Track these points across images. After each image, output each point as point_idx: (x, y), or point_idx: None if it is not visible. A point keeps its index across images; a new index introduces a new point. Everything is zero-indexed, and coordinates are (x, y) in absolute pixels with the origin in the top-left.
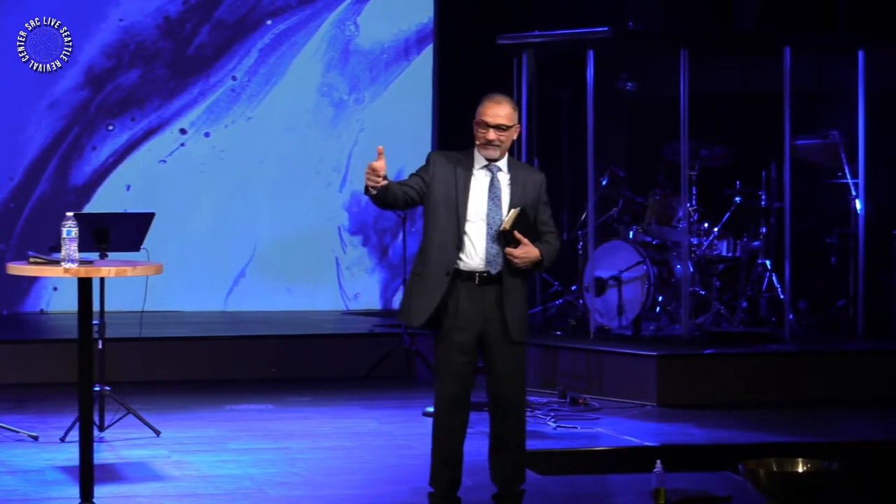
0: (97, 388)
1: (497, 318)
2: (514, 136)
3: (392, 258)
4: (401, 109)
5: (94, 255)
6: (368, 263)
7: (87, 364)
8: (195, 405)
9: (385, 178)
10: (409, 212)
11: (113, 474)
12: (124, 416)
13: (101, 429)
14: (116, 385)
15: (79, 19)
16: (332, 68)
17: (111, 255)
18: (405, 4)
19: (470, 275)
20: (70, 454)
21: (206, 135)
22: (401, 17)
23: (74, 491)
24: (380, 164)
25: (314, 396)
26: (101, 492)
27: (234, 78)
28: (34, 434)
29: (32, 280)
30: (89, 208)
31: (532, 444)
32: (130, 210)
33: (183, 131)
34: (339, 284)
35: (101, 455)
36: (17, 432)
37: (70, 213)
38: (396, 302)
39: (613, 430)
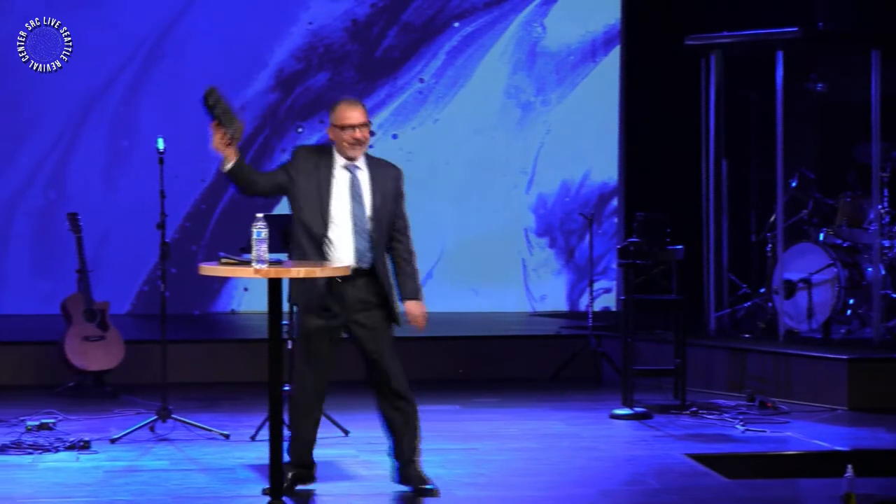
0: (287, 388)
1: (372, 304)
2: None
3: (578, 259)
4: (587, 111)
5: (283, 256)
6: (555, 265)
7: (277, 364)
8: None
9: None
10: (595, 213)
11: None
12: None
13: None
14: None
15: (269, 22)
16: (518, 70)
17: None
18: (592, 5)
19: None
20: (260, 453)
21: (394, 136)
22: (588, 19)
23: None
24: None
25: (501, 397)
26: None
27: (421, 80)
28: (225, 433)
29: (223, 281)
30: (278, 210)
31: (719, 448)
32: None
33: (371, 133)
34: (525, 286)
35: None
36: (209, 431)
37: (260, 215)
38: (583, 303)
39: (802, 434)
